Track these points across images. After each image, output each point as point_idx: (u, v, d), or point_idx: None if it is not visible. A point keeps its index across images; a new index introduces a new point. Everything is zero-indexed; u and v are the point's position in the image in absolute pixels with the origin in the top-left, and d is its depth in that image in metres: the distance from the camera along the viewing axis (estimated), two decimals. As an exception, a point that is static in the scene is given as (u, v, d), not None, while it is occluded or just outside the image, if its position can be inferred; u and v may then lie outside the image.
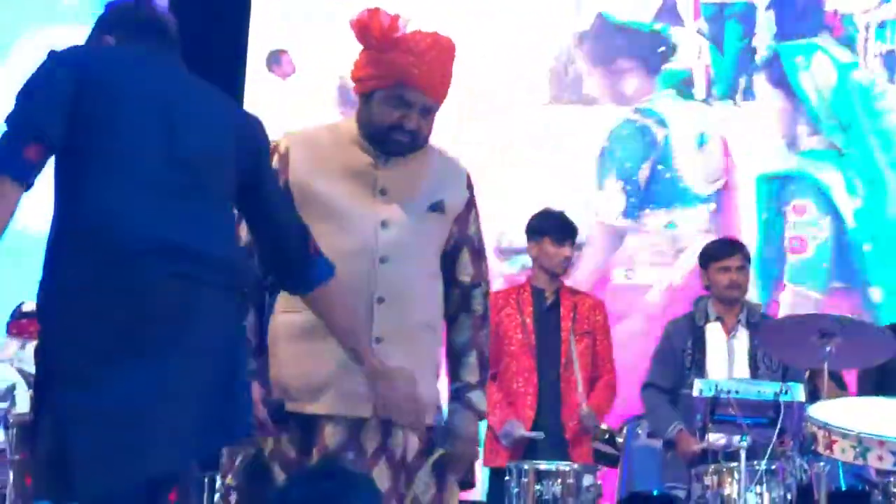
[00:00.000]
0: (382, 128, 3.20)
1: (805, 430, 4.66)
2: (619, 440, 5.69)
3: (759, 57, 7.53)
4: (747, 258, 5.53)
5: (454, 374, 3.30)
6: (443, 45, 3.24)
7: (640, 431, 5.65)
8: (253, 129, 2.96)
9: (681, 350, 5.45)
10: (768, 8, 7.60)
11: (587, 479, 4.92)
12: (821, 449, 4.25)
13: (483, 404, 3.30)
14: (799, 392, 4.71)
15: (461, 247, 3.32)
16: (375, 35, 3.15)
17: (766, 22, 7.60)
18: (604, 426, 5.58)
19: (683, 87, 7.54)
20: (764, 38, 7.57)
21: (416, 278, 3.20)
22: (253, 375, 3.06)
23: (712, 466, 4.91)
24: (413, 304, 3.18)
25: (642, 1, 7.68)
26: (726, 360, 5.40)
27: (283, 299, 3.17)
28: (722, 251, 5.51)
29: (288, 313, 3.17)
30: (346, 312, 3.03)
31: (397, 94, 3.18)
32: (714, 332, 5.45)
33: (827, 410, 4.35)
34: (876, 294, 7.12)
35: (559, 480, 4.87)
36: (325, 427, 3.10)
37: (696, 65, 7.58)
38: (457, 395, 3.27)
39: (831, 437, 4.19)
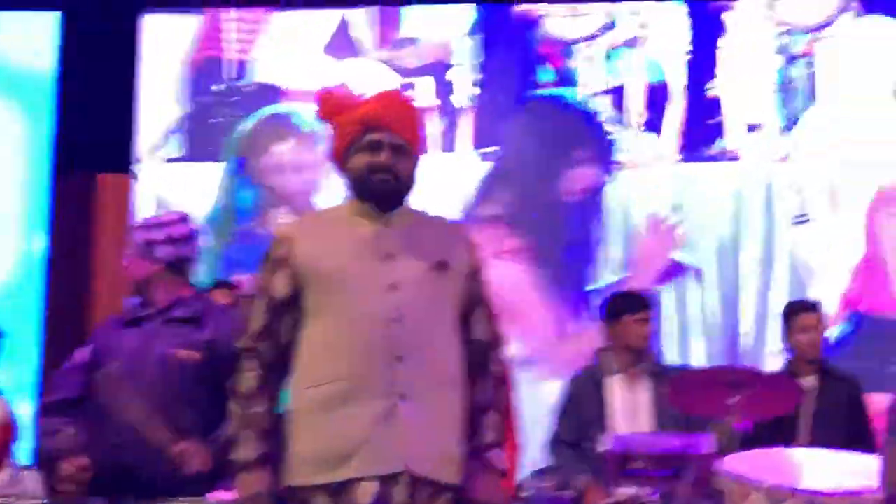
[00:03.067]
0: (362, 175, 3.34)
1: (715, 482, 4.70)
2: (524, 494, 5.67)
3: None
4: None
5: (472, 434, 3.34)
6: (399, 92, 3.54)
7: (544, 485, 5.63)
8: None
9: (583, 404, 5.44)
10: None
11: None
12: (735, 502, 4.27)
13: (502, 463, 3.36)
14: (707, 443, 4.75)
15: (474, 306, 3.39)
16: (336, 98, 3.39)
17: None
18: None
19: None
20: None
21: (432, 336, 3.27)
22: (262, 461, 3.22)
23: (622, 521, 4.91)
24: (432, 362, 3.25)
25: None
26: (630, 413, 5.41)
27: (306, 377, 3.25)
28: (636, 304, 5.53)
29: (314, 387, 3.22)
30: None
31: (366, 140, 3.33)
32: (617, 385, 5.47)
33: (738, 463, 4.38)
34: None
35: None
36: (358, 487, 3.16)
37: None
38: (475, 454, 3.32)
39: (744, 491, 4.22)
